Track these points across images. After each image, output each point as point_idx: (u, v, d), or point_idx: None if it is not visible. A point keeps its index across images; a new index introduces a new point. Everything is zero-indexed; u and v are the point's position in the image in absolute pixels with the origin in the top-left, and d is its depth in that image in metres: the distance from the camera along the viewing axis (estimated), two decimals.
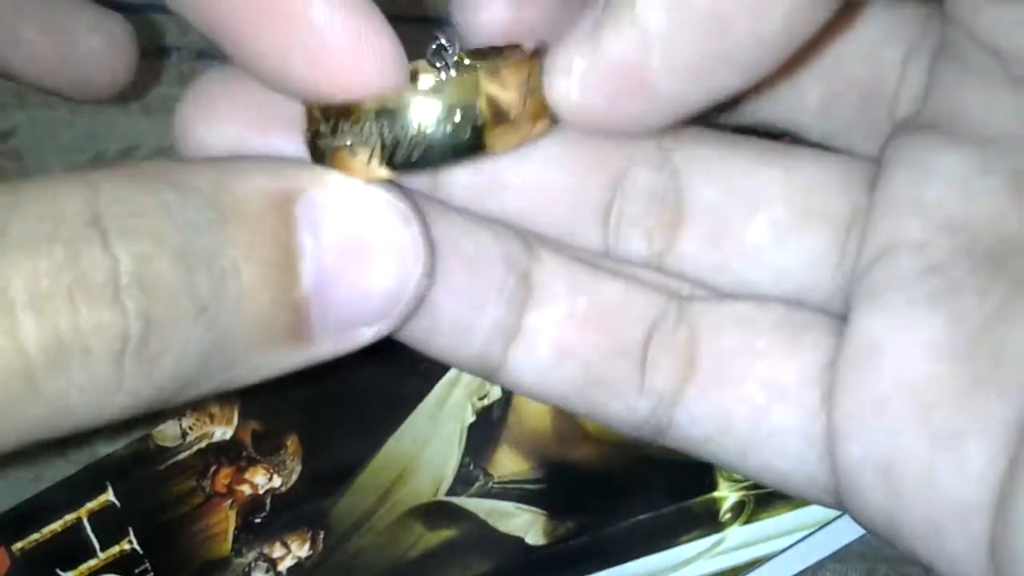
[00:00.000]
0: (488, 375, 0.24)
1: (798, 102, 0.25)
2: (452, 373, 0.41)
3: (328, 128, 0.20)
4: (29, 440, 0.18)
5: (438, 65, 0.20)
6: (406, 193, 0.21)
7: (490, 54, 0.22)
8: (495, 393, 0.41)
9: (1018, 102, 0.21)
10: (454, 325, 0.23)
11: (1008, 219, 0.21)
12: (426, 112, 0.20)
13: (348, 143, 0.20)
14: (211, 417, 0.41)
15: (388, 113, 0.20)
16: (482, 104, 0.20)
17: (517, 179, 0.23)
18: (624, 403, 0.24)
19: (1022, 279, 0.20)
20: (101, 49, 0.33)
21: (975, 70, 0.22)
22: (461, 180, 0.23)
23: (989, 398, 0.20)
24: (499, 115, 0.20)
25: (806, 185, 0.23)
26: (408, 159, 0.20)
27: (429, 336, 0.23)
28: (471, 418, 0.41)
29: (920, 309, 0.21)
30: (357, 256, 0.20)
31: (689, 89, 0.20)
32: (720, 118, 0.25)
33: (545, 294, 0.23)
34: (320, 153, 0.21)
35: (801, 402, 0.23)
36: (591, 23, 0.20)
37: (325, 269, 0.20)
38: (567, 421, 0.40)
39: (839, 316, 0.23)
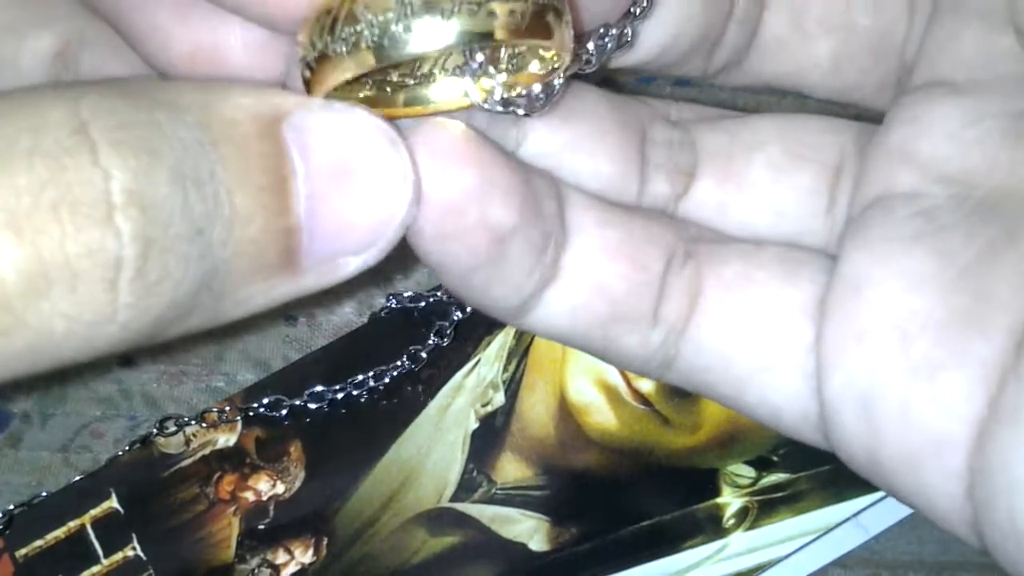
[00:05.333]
0: (514, 319, 0.24)
1: (808, 58, 0.25)
2: (455, 380, 0.41)
3: (320, 37, 0.19)
4: (9, 375, 0.16)
5: None
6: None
7: None
8: (498, 400, 0.41)
9: (1019, 42, 0.22)
10: (519, 273, 0.22)
11: (1000, 165, 0.21)
12: None
13: (336, 47, 0.19)
14: (215, 425, 0.41)
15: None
16: None
17: (558, 140, 0.24)
18: (640, 336, 0.24)
19: (1014, 224, 0.21)
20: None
21: (975, 11, 0.22)
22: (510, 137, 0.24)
23: (970, 334, 0.20)
24: None
25: (798, 130, 0.25)
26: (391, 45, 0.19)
27: (489, 285, 0.22)
28: (474, 425, 0.41)
29: (905, 245, 0.21)
30: (346, 181, 0.19)
31: None
32: (727, 80, 0.27)
33: (578, 231, 0.23)
34: (315, 70, 0.20)
35: (796, 335, 0.23)
36: None
37: (315, 194, 0.19)
38: (570, 428, 0.40)
39: (834, 259, 0.24)
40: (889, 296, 0.21)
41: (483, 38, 0.19)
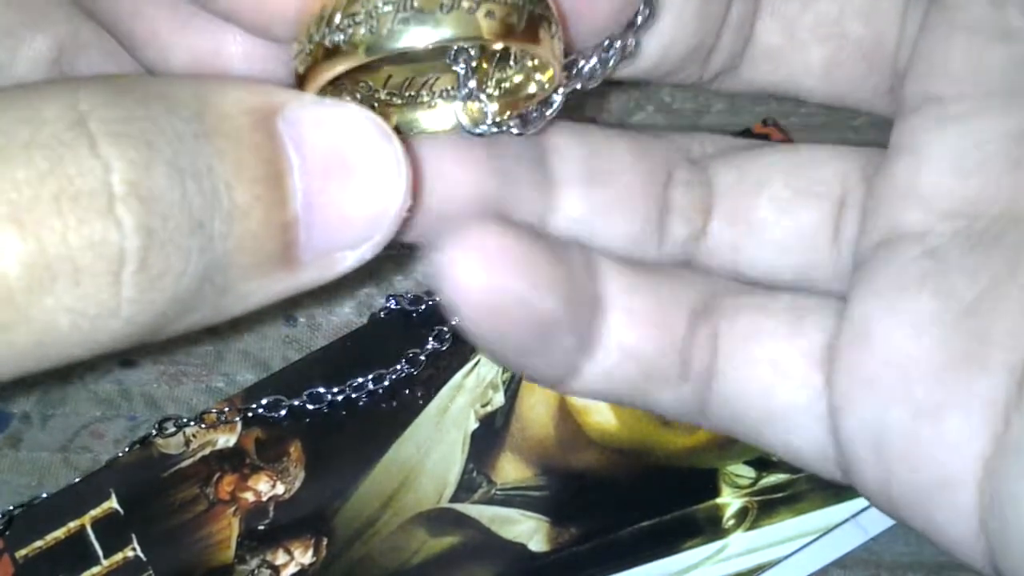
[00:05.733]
0: (554, 387, 0.24)
1: (801, 65, 0.25)
2: (455, 380, 0.41)
3: (316, 31, 0.19)
4: (13, 373, 0.16)
5: None
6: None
7: None
8: (498, 400, 0.41)
9: (1010, 55, 0.22)
10: (564, 351, 0.23)
11: (1001, 191, 0.21)
12: None
13: (333, 38, 0.19)
14: (214, 425, 0.41)
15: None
16: None
17: (584, 205, 0.25)
18: (673, 392, 0.24)
19: (1015, 256, 0.21)
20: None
21: (966, 24, 0.22)
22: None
23: (971, 374, 0.20)
24: None
25: (803, 164, 0.25)
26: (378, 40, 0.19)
27: (536, 364, 0.23)
28: (474, 425, 0.41)
29: (909, 290, 0.22)
30: (342, 174, 0.19)
31: None
32: (723, 86, 0.27)
33: (609, 300, 0.24)
34: (309, 65, 0.20)
35: (806, 380, 0.23)
36: None
37: (312, 188, 0.19)
38: (570, 428, 0.40)
39: (843, 298, 0.24)
40: (893, 341, 0.22)
41: (475, 39, 0.19)
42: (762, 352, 0.24)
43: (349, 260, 0.20)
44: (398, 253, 0.43)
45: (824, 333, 0.23)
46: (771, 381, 0.24)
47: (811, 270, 0.25)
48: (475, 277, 0.21)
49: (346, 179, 0.19)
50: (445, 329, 0.41)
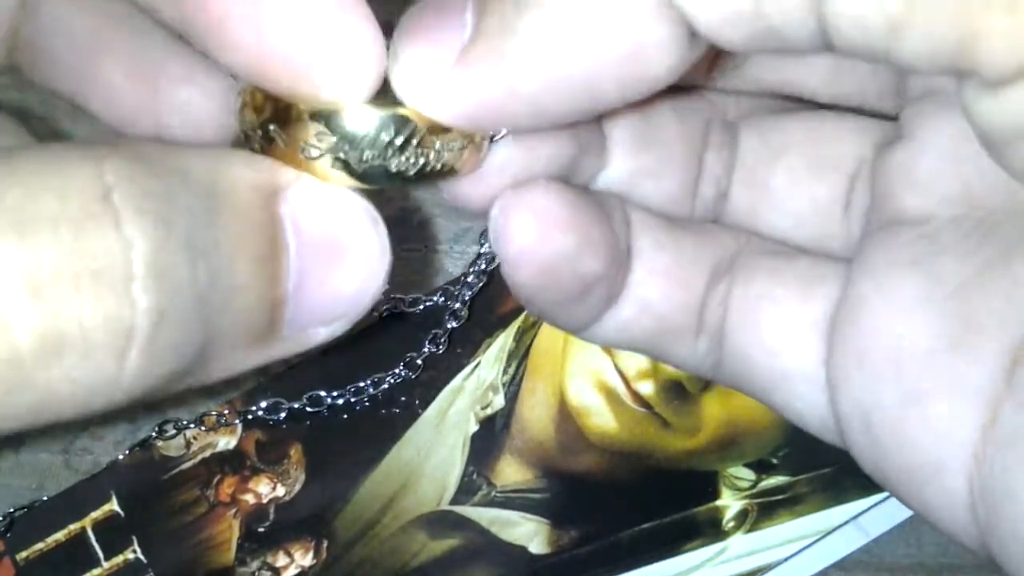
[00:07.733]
0: (575, 333, 0.25)
1: (807, 65, 0.26)
2: (455, 383, 0.41)
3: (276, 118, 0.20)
4: (6, 429, 0.17)
5: None
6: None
7: None
8: (498, 403, 0.41)
9: None
10: (597, 303, 0.24)
11: (998, 182, 0.22)
12: (362, 121, 0.20)
13: (311, 145, 0.20)
14: (214, 428, 0.41)
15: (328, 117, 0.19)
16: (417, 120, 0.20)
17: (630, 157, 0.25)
18: (688, 347, 0.25)
19: (1009, 245, 0.21)
20: (192, 102, 0.27)
21: None
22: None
23: (958, 361, 0.21)
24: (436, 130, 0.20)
25: (821, 137, 0.26)
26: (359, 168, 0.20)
27: (569, 314, 0.24)
28: (474, 428, 0.41)
29: (903, 270, 0.22)
30: (332, 258, 0.20)
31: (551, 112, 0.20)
32: (727, 86, 0.27)
33: (637, 255, 0.25)
34: (262, 140, 0.20)
35: (809, 349, 0.24)
36: (466, 33, 0.19)
37: (304, 269, 0.19)
38: (570, 430, 0.40)
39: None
40: (882, 321, 0.22)
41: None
42: (769, 317, 0.24)
43: (321, 336, 0.21)
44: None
45: (831, 303, 0.24)
46: (776, 347, 0.24)
47: (825, 240, 0.25)
48: (528, 235, 0.22)
49: (336, 264, 0.20)
50: (440, 332, 0.41)
